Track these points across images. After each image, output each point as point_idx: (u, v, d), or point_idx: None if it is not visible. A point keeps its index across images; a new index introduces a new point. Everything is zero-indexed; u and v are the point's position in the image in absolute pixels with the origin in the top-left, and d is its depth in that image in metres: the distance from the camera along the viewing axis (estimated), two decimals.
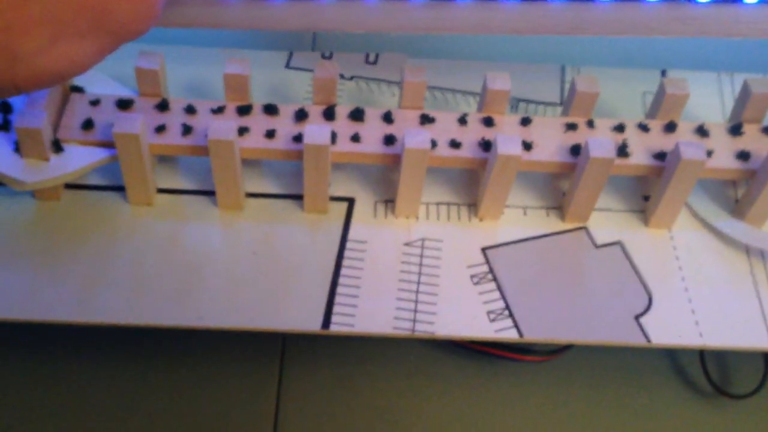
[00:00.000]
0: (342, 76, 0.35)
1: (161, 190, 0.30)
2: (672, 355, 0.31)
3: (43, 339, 0.31)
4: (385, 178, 0.31)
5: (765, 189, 0.28)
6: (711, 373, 0.30)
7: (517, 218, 0.30)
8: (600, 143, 0.27)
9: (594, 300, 0.28)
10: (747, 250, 0.30)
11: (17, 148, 0.28)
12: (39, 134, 0.27)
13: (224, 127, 0.27)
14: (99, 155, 0.28)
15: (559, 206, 0.31)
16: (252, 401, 0.30)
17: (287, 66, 0.35)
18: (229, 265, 0.28)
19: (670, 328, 0.28)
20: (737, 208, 0.30)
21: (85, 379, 0.30)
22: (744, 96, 0.30)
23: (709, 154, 0.29)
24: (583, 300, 0.28)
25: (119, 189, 0.30)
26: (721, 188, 0.31)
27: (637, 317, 0.28)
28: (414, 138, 0.27)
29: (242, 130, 0.29)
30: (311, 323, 0.27)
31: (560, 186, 0.31)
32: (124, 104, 0.29)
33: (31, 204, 0.29)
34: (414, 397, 0.30)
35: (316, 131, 0.27)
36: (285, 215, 0.30)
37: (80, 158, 0.28)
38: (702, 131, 0.30)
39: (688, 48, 0.38)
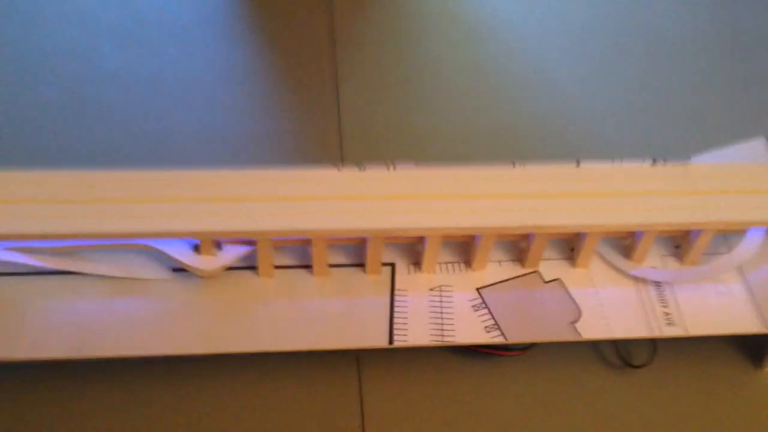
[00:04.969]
0: None
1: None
2: (595, 345, 0.50)
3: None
4: (413, 248, 0.50)
5: (643, 238, 0.48)
6: (621, 351, 0.49)
7: (496, 268, 0.49)
8: None
9: (547, 315, 0.47)
10: (633, 277, 0.49)
11: (196, 249, 0.46)
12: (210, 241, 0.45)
13: None
14: (245, 249, 0.47)
15: (519, 259, 0.50)
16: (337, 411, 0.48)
17: None
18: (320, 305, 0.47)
19: (593, 328, 0.47)
20: (626, 252, 0.50)
21: (161, 407, 0.47)
22: None
23: None
24: (540, 315, 0.47)
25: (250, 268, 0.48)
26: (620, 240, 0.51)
27: (572, 323, 0.47)
28: None
29: None
30: (381, 341, 0.46)
31: (520, 245, 0.50)
32: None
33: (197, 280, 0.47)
34: (442, 385, 0.49)
35: None
36: (354, 278, 0.48)
37: (233, 252, 0.46)
38: None
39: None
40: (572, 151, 0.59)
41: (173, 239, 0.46)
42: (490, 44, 0.72)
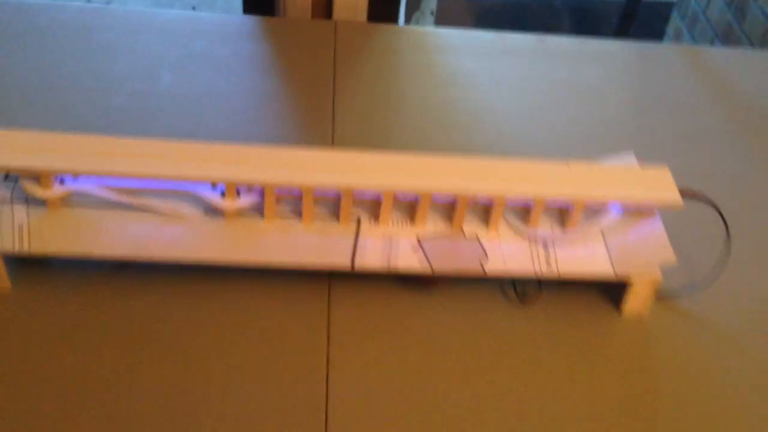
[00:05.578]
0: None
1: None
2: (499, 281, 0.70)
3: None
4: (374, 207, 0.70)
5: (534, 208, 0.68)
6: (517, 290, 0.69)
7: (432, 226, 0.69)
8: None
9: (464, 257, 0.67)
10: (528, 236, 0.69)
11: (222, 195, 0.67)
12: (233, 187, 0.66)
13: None
14: (256, 197, 0.67)
15: (449, 219, 0.70)
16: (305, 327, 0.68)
17: None
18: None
19: (496, 268, 0.67)
20: (525, 219, 0.70)
21: (149, 315, 0.68)
22: None
23: None
24: (459, 257, 0.67)
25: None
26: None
27: (482, 264, 0.67)
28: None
29: None
30: (346, 264, 0.66)
31: (450, 211, 0.71)
32: None
33: (221, 219, 0.68)
34: (391, 309, 0.68)
35: None
36: (331, 225, 0.69)
37: (248, 198, 0.67)
38: None
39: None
40: None
41: (208, 187, 0.67)
42: (454, 88, 0.94)
